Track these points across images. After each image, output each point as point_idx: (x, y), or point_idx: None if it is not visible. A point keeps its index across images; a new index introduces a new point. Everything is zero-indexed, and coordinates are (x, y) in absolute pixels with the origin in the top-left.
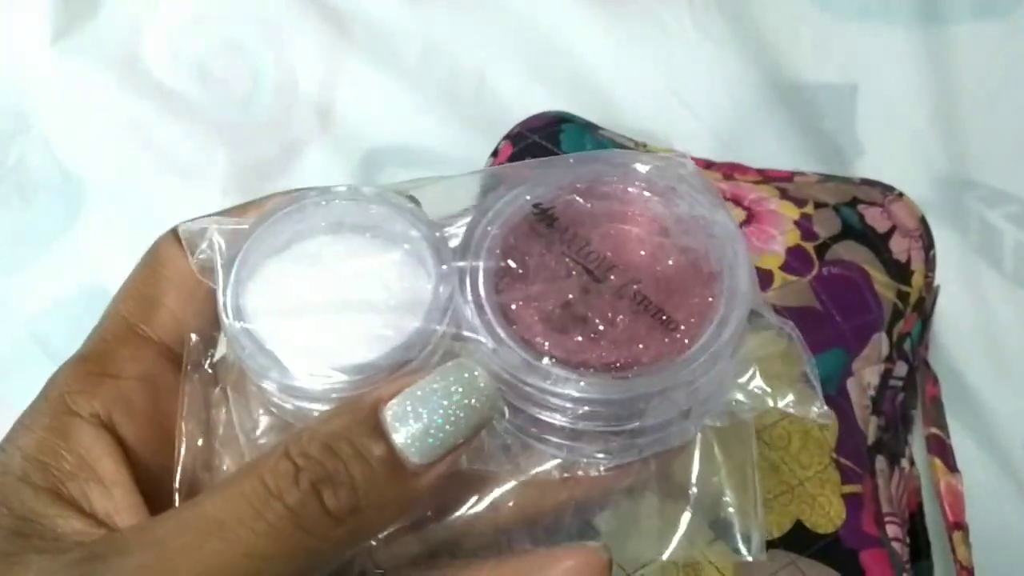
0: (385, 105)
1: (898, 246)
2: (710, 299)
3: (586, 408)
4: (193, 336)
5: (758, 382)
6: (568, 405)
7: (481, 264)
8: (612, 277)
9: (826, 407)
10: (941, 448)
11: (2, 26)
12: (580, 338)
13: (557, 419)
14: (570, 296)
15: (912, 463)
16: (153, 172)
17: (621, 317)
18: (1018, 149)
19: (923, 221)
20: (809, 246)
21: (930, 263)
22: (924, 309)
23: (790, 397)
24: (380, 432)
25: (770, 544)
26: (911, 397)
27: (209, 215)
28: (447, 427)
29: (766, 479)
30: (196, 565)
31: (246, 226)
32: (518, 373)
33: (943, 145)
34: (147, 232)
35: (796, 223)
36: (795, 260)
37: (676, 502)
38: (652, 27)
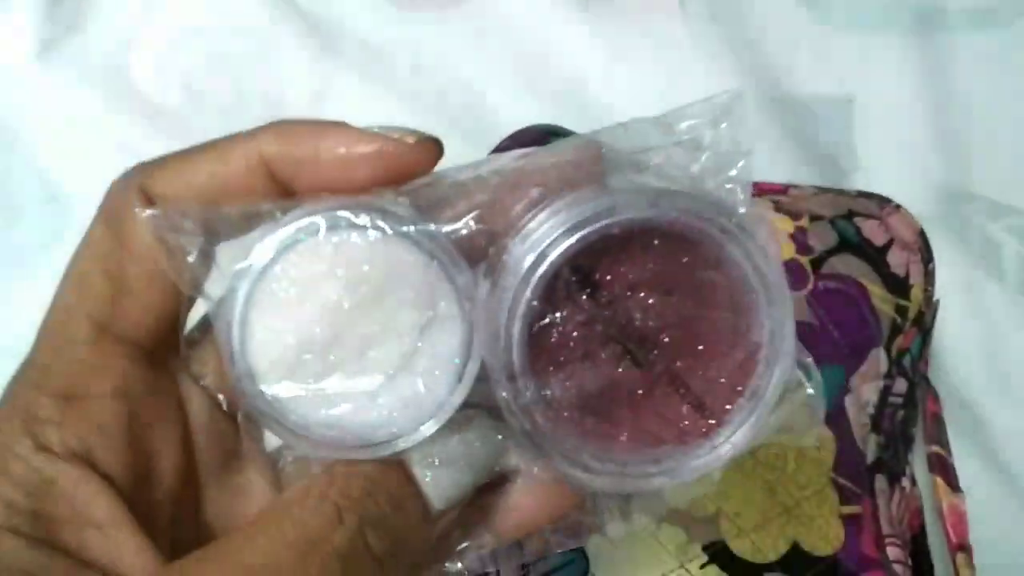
0: (374, 119)
1: (896, 259)
2: (749, 377)
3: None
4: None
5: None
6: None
7: (516, 333)
8: (652, 359)
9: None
10: (943, 467)
11: None
12: (614, 423)
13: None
14: (610, 379)
15: (913, 483)
16: None
17: (658, 401)
18: (1018, 161)
19: (922, 234)
20: (804, 260)
21: (929, 277)
22: (924, 324)
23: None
24: (411, 481)
25: (767, 567)
26: (911, 414)
27: (164, 155)
28: (466, 477)
29: (762, 501)
30: None
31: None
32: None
33: (942, 157)
34: None
35: (791, 236)
36: (790, 275)
37: (669, 524)
38: (646, 39)
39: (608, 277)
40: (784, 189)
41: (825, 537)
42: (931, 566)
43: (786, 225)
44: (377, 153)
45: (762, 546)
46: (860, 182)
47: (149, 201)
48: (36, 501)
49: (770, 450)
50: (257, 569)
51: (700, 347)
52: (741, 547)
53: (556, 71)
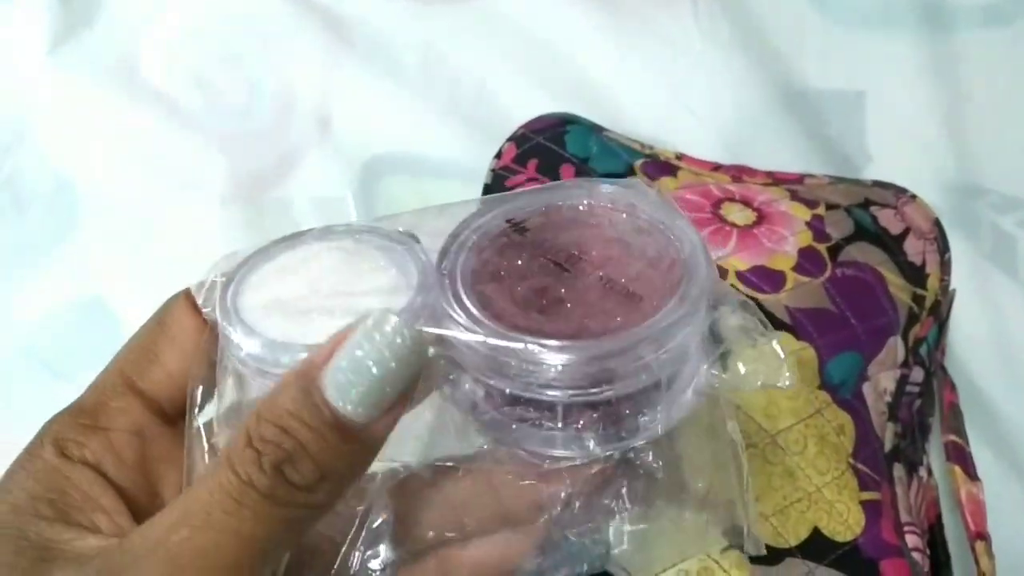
0: (385, 113)
1: (912, 248)
2: (671, 280)
3: (560, 368)
4: (197, 388)
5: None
6: (544, 370)
7: (459, 263)
8: (580, 267)
9: (789, 376)
10: (961, 456)
11: None
12: (554, 315)
13: (535, 393)
14: (542, 282)
15: (930, 473)
16: (150, 182)
17: (590, 295)
18: None
19: (937, 224)
20: (821, 247)
21: (945, 266)
22: (940, 313)
23: (760, 372)
24: (322, 400)
25: (787, 552)
26: (928, 404)
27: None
28: (382, 382)
29: (782, 485)
30: (196, 558)
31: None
32: (497, 351)
33: (952, 152)
34: (144, 243)
35: (808, 224)
36: (807, 262)
37: (688, 509)
38: (656, 35)
39: (532, 224)
40: (800, 178)
41: (845, 523)
42: (948, 556)
43: (803, 213)
44: None
45: (783, 531)
46: (871, 176)
47: (193, 305)
48: (54, 491)
49: (789, 435)
50: (203, 513)
51: (619, 260)
52: (762, 532)
53: (567, 65)
